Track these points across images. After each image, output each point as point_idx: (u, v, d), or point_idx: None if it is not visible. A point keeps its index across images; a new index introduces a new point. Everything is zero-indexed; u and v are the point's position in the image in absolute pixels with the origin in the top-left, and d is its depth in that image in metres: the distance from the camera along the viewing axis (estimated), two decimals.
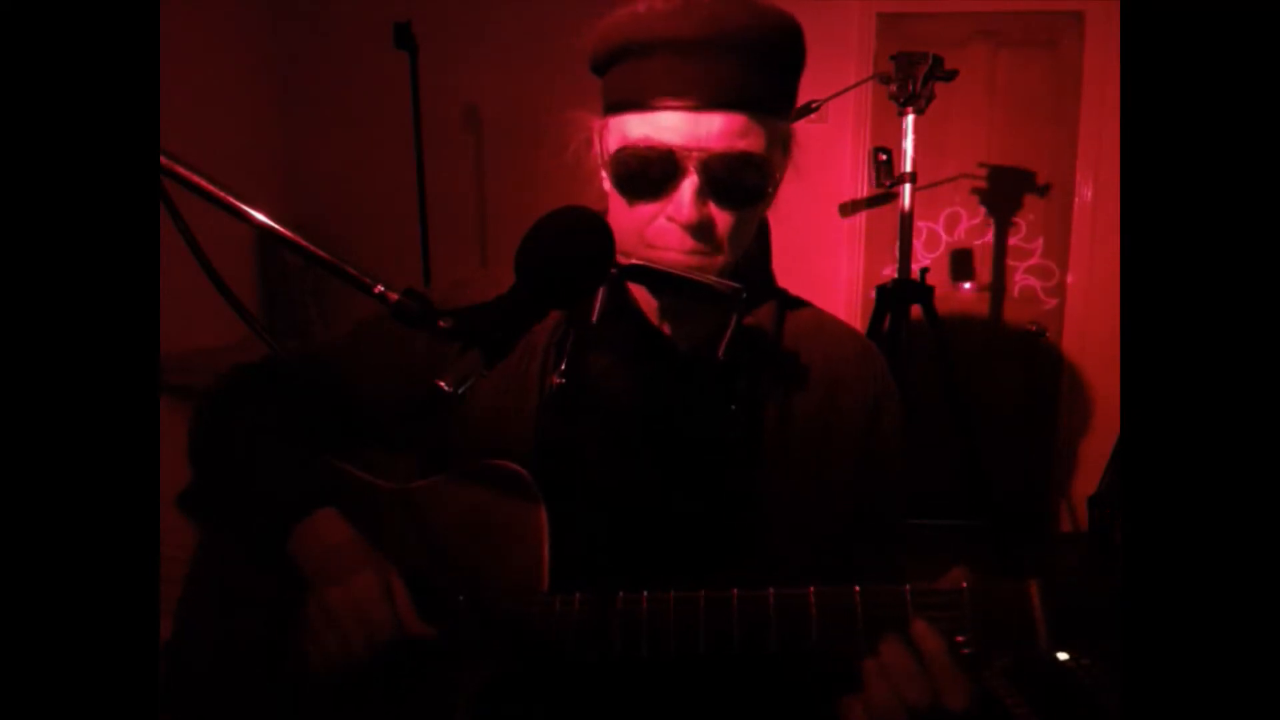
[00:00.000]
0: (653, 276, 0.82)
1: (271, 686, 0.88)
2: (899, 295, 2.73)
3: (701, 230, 0.83)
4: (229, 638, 0.94)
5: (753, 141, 0.82)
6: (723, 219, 0.84)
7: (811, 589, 0.71)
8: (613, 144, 0.85)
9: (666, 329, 0.93)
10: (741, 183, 0.83)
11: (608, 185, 0.90)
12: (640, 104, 0.82)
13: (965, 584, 0.68)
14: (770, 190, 0.86)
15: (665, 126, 0.80)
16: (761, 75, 0.82)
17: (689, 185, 0.81)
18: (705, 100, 0.80)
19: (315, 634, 0.80)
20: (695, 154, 0.80)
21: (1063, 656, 1.80)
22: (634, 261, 0.82)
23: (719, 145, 0.80)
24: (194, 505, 0.97)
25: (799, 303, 1.01)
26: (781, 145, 0.86)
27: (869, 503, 0.94)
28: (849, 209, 3.52)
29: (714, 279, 0.83)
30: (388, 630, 0.77)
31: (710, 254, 0.85)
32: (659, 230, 0.84)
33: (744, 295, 0.83)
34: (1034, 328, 3.51)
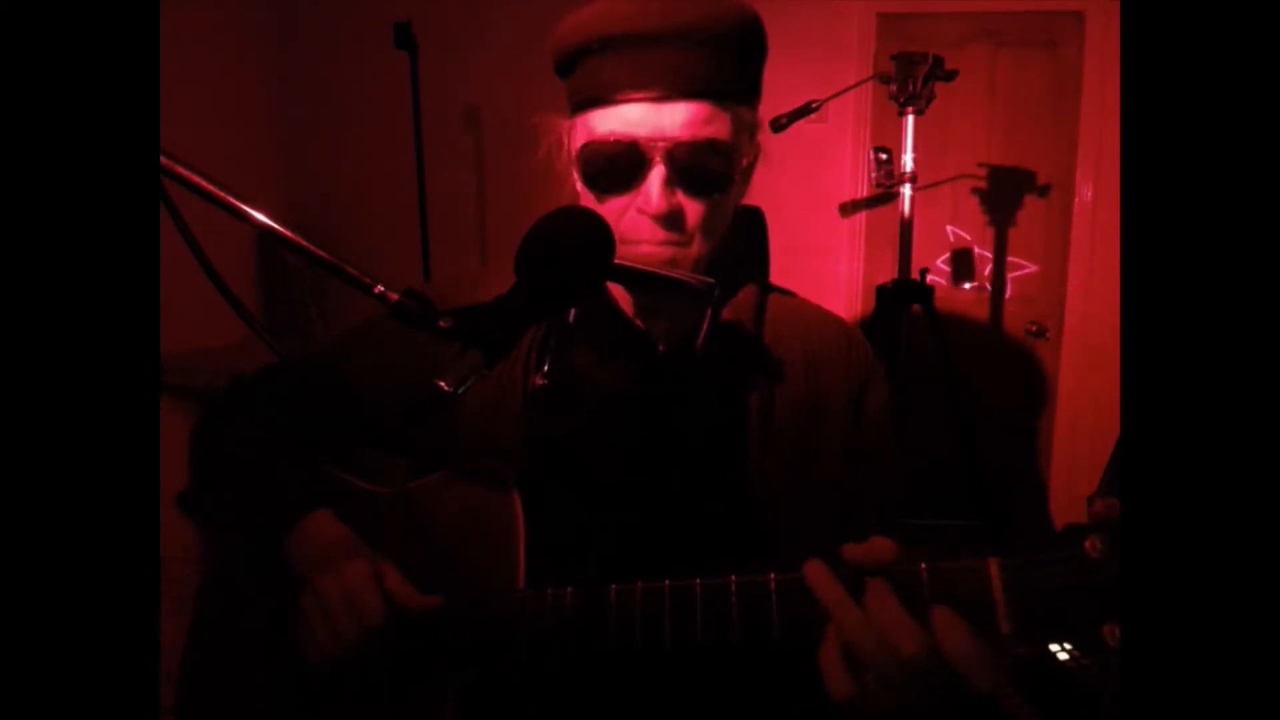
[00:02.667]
0: (626, 274, 0.83)
1: (273, 691, 0.88)
2: (899, 295, 2.73)
3: (671, 220, 0.84)
4: (233, 643, 0.94)
5: (717, 129, 0.83)
6: (692, 208, 0.85)
7: (772, 575, 0.71)
8: (579, 141, 0.86)
9: (646, 325, 0.94)
10: (707, 169, 0.84)
11: (580, 185, 0.91)
12: (604, 99, 0.83)
13: (924, 564, 0.67)
14: (737, 177, 0.87)
15: (630, 119, 0.82)
16: (721, 63, 0.83)
17: (656, 175, 0.82)
18: (668, 90, 0.81)
19: (308, 625, 0.80)
20: (660, 144, 0.82)
21: (1063, 656, 1.80)
22: None
23: (684, 134, 0.82)
24: (193, 510, 0.97)
25: (779, 292, 1.02)
26: (748, 132, 0.87)
27: (861, 488, 0.94)
28: (849, 209, 3.52)
29: (687, 275, 0.84)
30: (378, 616, 0.77)
31: (682, 244, 0.86)
32: (630, 223, 0.85)
33: (717, 291, 0.84)
34: (1034, 328, 3.51)
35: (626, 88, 0.81)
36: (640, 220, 0.84)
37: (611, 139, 0.82)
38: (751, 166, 0.88)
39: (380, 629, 0.77)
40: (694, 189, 0.84)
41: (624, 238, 0.84)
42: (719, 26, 0.82)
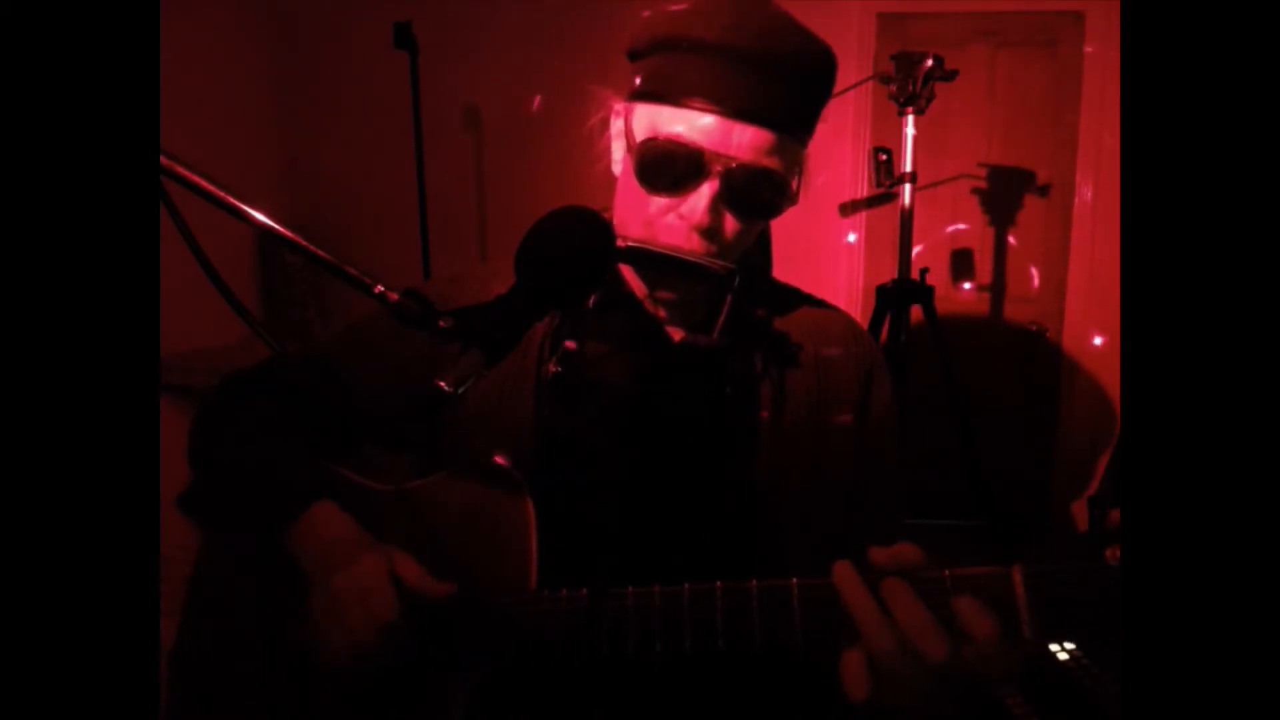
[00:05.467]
0: (647, 257, 0.83)
1: (272, 688, 0.88)
2: (899, 295, 2.73)
3: (710, 234, 0.84)
4: (231, 640, 0.94)
5: (776, 160, 0.83)
6: (731, 226, 0.85)
7: (794, 580, 0.70)
8: (641, 132, 0.85)
9: (661, 315, 0.94)
10: (759, 197, 0.84)
11: (618, 168, 0.91)
12: (675, 99, 0.82)
13: (947, 570, 0.67)
14: (783, 209, 0.88)
15: (698, 127, 0.81)
16: (798, 98, 0.83)
17: (708, 190, 0.82)
18: (743, 110, 0.80)
19: (320, 625, 0.80)
20: (721, 160, 0.81)
21: (1063, 656, 1.80)
22: (630, 243, 0.82)
23: (746, 157, 0.81)
24: (194, 506, 0.97)
25: (787, 288, 1.03)
26: (797, 169, 0.87)
27: (868, 481, 0.95)
28: (849, 209, 3.52)
29: (708, 259, 0.84)
30: (391, 612, 0.76)
31: (712, 256, 0.86)
32: (667, 226, 0.85)
33: (737, 275, 0.84)
34: (1034, 328, 3.51)
35: (703, 95, 0.80)
36: (679, 225, 0.84)
37: (675, 141, 0.82)
38: (793, 202, 0.88)
39: (394, 623, 0.77)
40: (740, 211, 0.84)
41: (658, 235, 0.85)
42: (807, 63, 0.82)
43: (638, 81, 0.87)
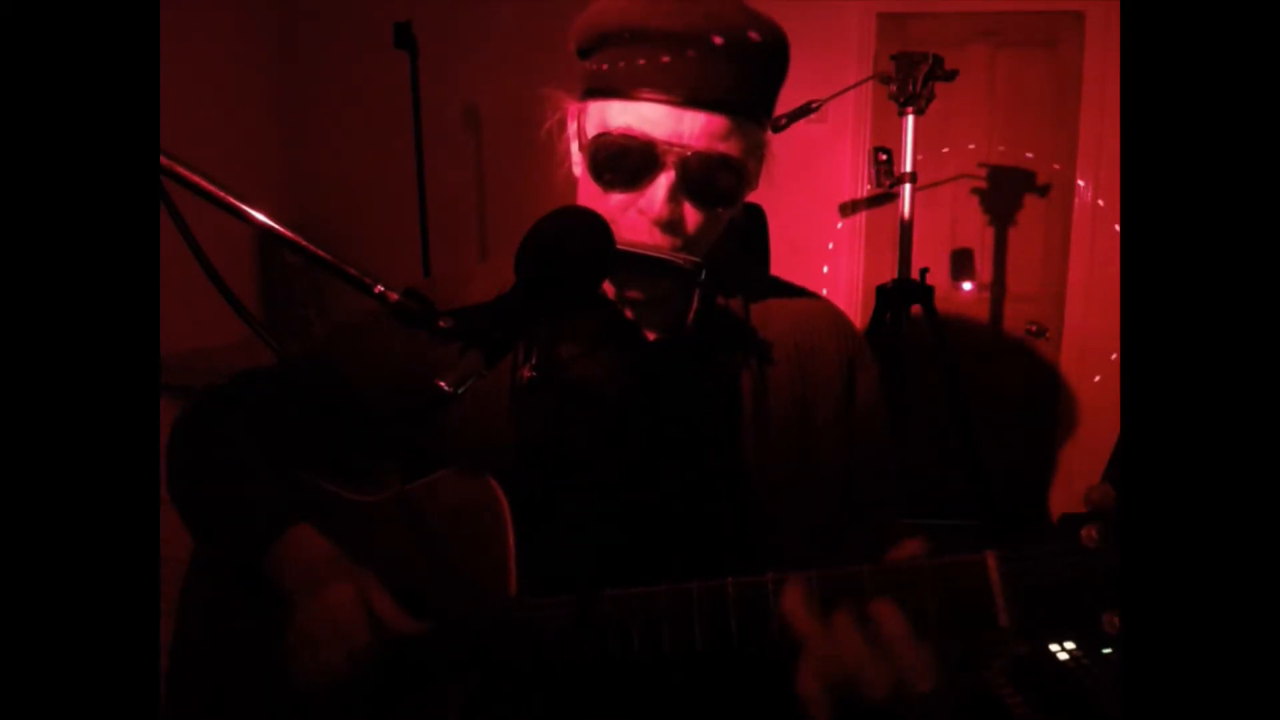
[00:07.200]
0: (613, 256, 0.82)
1: (268, 691, 0.88)
2: (899, 295, 2.73)
3: (671, 226, 0.83)
4: (226, 642, 0.93)
5: (732, 145, 0.82)
6: (693, 217, 0.84)
7: (769, 576, 0.70)
8: (593, 129, 0.84)
9: (633, 315, 0.93)
10: (717, 184, 0.83)
11: (578, 170, 0.89)
12: (624, 92, 0.81)
13: (923, 559, 0.67)
14: (742, 194, 0.87)
15: (648, 118, 0.80)
16: (748, 79, 0.82)
17: (664, 181, 0.81)
18: (692, 97, 0.79)
19: (295, 649, 0.80)
20: (675, 150, 0.80)
21: (1063, 657, 1.80)
22: None
23: (700, 144, 0.80)
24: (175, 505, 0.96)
25: (770, 279, 1.02)
26: (757, 153, 0.86)
27: (857, 474, 0.94)
28: (849, 209, 3.52)
29: (674, 255, 0.83)
30: (364, 638, 0.76)
31: (676, 250, 0.85)
32: (630, 222, 0.84)
33: (704, 271, 0.83)
34: (1034, 328, 3.51)
35: (650, 85, 0.79)
36: (640, 220, 0.83)
37: (627, 135, 0.81)
38: (752, 186, 0.87)
39: (367, 654, 0.76)
40: (699, 200, 0.83)
41: (621, 233, 0.83)
42: (754, 42, 0.81)
43: (587, 79, 0.86)
